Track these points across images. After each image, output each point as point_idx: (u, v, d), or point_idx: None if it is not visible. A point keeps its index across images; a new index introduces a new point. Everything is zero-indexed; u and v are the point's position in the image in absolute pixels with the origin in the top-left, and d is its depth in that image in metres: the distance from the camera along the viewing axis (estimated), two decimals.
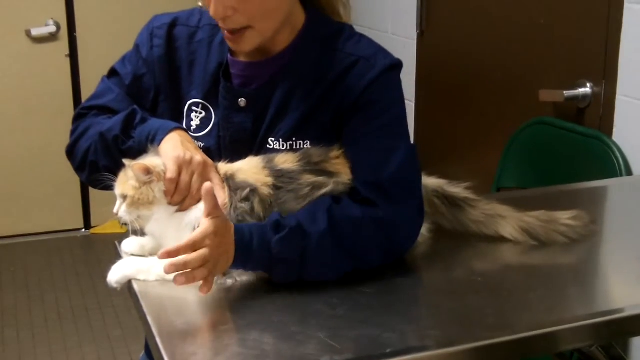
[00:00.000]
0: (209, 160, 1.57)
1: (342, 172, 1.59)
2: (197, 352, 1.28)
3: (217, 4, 1.54)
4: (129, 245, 1.65)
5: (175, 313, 1.43)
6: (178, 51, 1.73)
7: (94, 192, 4.95)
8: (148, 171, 1.51)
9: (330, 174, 1.58)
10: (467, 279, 1.61)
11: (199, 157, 1.55)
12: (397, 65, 1.66)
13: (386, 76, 1.62)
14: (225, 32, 1.60)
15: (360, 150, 1.59)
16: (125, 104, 1.71)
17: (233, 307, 1.46)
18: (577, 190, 2.25)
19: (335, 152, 1.60)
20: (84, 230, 5.00)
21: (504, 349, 1.33)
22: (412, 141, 1.67)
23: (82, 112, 1.76)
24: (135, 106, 1.67)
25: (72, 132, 1.76)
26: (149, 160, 1.54)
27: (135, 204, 1.54)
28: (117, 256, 1.62)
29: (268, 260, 1.47)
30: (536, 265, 1.69)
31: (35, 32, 4.69)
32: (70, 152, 1.75)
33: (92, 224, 5.00)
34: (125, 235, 1.66)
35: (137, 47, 1.76)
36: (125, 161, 1.55)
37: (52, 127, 4.82)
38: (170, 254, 1.36)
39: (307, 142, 1.62)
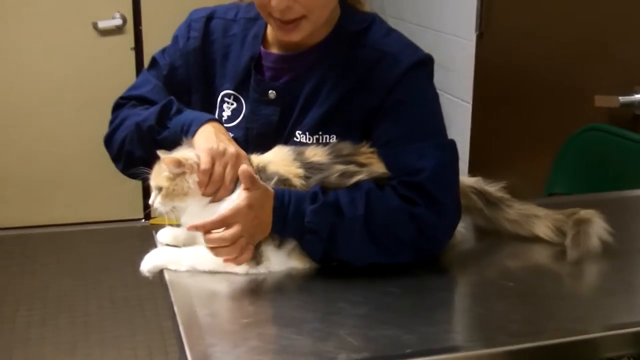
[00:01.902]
0: (242, 152, 1.58)
1: (374, 164, 1.59)
2: (216, 343, 1.29)
3: None
4: (163, 235, 1.68)
5: (201, 304, 1.44)
6: (213, 44, 1.75)
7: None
8: (179, 164, 1.52)
9: (361, 165, 1.58)
10: (498, 282, 1.59)
11: (232, 148, 1.56)
12: (425, 61, 1.65)
13: (414, 73, 1.62)
14: (279, 21, 1.61)
15: (394, 152, 1.59)
16: (162, 94, 1.75)
17: (258, 301, 1.47)
18: (630, 197, 2.21)
19: (365, 148, 1.61)
20: (143, 220, 5.07)
21: (525, 356, 1.31)
22: (447, 136, 1.65)
23: (121, 102, 1.80)
24: (172, 97, 1.70)
25: (110, 122, 1.79)
26: (181, 152, 1.56)
27: (170, 195, 1.56)
28: (154, 246, 1.65)
29: (300, 228, 1.50)
30: (569, 270, 1.66)
31: (101, 24, 4.76)
32: (108, 141, 1.79)
33: (152, 214, 5.06)
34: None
35: (175, 38, 1.80)
36: (160, 153, 1.57)
37: None
38: (198, 228, 1.45)
39: (332, 137, 1.63)
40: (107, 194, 5.03)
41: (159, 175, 1.57)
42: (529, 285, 1.58)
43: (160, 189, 1.57)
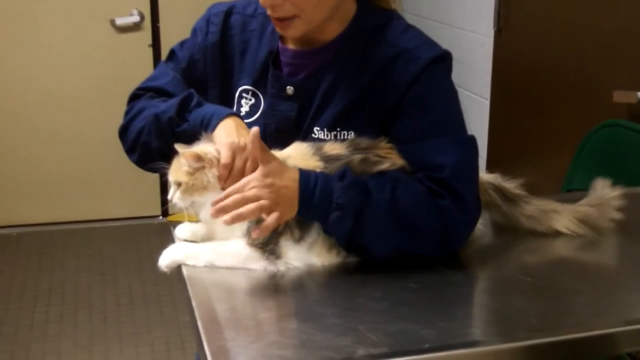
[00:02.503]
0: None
1: (393, 158, 1.59)
2: (235, 338, 1.29)
3: None
4: (181, 230, 1.68)
5: (220, 299, 1.45)
6: (232, 39, 1.76)
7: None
8: (199, 158, 1.53)
9: (381, 157, 1.58)
10: (516, 277, 1.59)
11: None
12: (443, 57, 1.64)
13: (432, 69, 1.61)
14: (273, 17, 1.62)
15: (414, 148, 1.59)
16: (180, 87, 1.75)
17: (276, 296, 1.47)
18: None
19: (384, 143, 1.60)
20: (161, 217, 5.09)
21: (542, 351, 1.31)
22: (467, 131, 1.65)
23: (138, 92, 1.80)
24: (192, 90, 1.70)
25: (126, 113, 1.79)
26: (200, 147, 1.56)
27: (189, 190, 1.56)
28: (173, 241, 1.65)
29: (328, 207, 1.49)
30: (587, 265, 1.67)
31: (119, 21, 4.77)
32: (123, 132, 1.79)
33: (169, 211, 5.06)
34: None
35: (194, 31, 1.81)
36: (178, 147, 1.57)
37: None
38: (218, 201, 1.47)
39: (351, 133, 1.63)
40: (125, 191, 5.04)
41: (178, 170, 1.57)
42: (546, 281, 1.58)
43: (179, 184, 1.57)
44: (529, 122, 3.43)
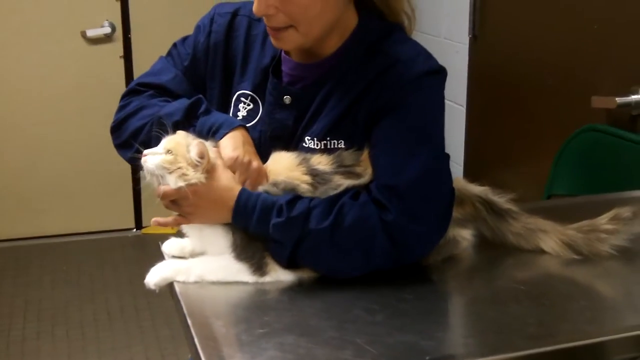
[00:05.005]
0: (264, 170, 1.57)
1: (368, 172, 1.57)
2: (234, 355, 1.28)
3: (260, 1, 1.55)
4: (169, 246, 1.66)
5: (215, 315, 1.43)
6: (235, 40, 1.74)
7: (145, 193, 4.98)
8: (202, 157, 1.51)
9: (358, 176, 1.57)
10: (510, 286, 1.58)
11: (256, 163, 1.56)
12: (438, 71, 1.62)
13: (423, 80, 1.59)
14: (268, 27, 1.61)
15: (382, 151, 1.57)
16: (183, 86, 1.74)
17: (271, 310, 1.45)
18: (628, 198, 2.20)
19: (365, 155, 1.59)
20: (135, 230, 5.05)
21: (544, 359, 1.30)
22: (444, 150, 1.62)
23: (137, 88, 1.76)
24: (200, 96, 1.69)
25: (122, 108, 1.75)
26: (208, 146, 1.55)
27: (171, 165, 1.51)
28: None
29: (265, 235, 1.51)
30: (577, 275, 1.66)
31: (90, 33, 4.75)
32: (117, 127, 1.75)
33: (144, 223, 5.04)
34: (177, 236, 1.67)
35: (198, 29, 1.78)
36: (183, 133, 1.56)
37: (106, 127, 4.83)
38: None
39: (341, 142, 1.61)
40: (98, 204, 5.01)
41: (178, 144, 1.53)
42: (541, 289, 1.58)
43: (168, 152, 1.52)
44: (507, 128, 3.44)
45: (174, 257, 1.64)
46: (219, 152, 1.57)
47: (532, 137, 3.26)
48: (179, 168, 1.51)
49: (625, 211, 1.71)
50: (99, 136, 4.84)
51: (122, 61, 4.86)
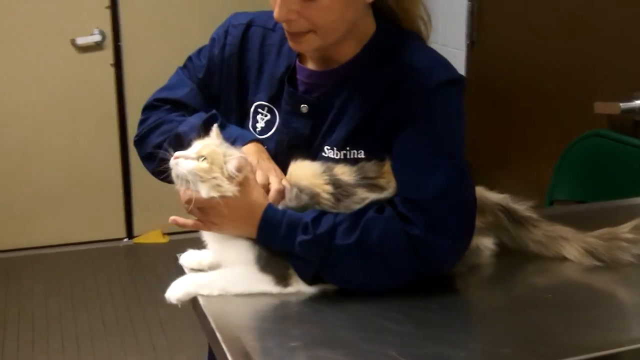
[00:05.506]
0: (282, 186, 1.56)
1: (391, 184, 1.56)
2: None
3: (281, 6, 1.54)
4: (187, 259, 1.65)
5: (243, 329, 1.42)
6: (249, 52, 1.73)
7: (136, 201, 4.98)
8: (240, 170, 1.49)
9: (382, 189, 1.55)
10: (535, 294, 1.58)
11: (276, 185, 1.55)
12: (456, 80, 1.60)
13: (441, 91, 1.56)
14: (287, 32, 1.60)
15: (404, 164, 1.55)
16: (198, 99, 1.75)
17: (298, 323, 1.44)
18: (634, 204, 2.20)
19: (388, 166, 1.57)
20: (126, 239, 5.01)
21: None
22: (465, 159, 1.60)
23: (155, 104, 1.78)
24: (215, 111, 1.69)
25: (142, 122, 1.78)
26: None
27: (204, 174, 1.47)
28: (180, 270, 1.61)
29: (289, 252, 1.50)
30: (600, 282, 1.65)
31: (80, 41, 4.71)
32: (139, 142, 1.78)
33: (135, 233, 5.00)
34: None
35: (212, 41, 1.78)
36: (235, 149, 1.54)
37: (97, 135, 4.86)
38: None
39: (360, 152, 1.60)
40: (88, 214, 4.97)
41: (215, 153, 1.49)
42: (565, 296, 1.57)
43: (203, 158, 1.48)
44: (507, 134, 3.44)
45: (192, 270, 1.61)
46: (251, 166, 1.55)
47: (532, 143, 3.26)
48: (213, 178, 1.48)
49: None
50: (89, 144, 4.85)
51: (113, 69, 4.83)
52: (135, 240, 4.96)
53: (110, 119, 4.87)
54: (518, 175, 3.38)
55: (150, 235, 4.87)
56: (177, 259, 1.64)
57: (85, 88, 4.78)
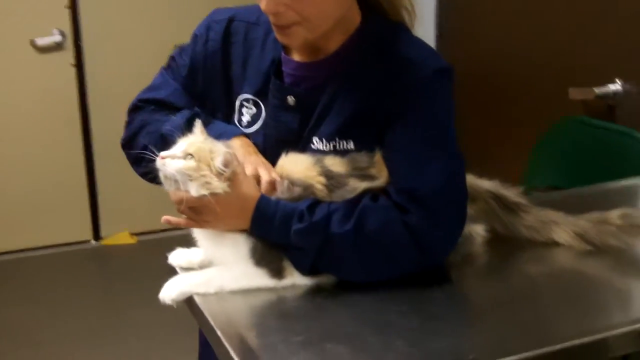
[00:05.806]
0: (273, 178, 1.54)
1: (383, 174, 1.55)
2: None
3: None
4: (176, 258, 1.62)
5: (244, 326, 1.39)
6: (233, 46, 1.71)
7: (103, 203, 4.91)
8: (227, 165, 1.46)
9: (373, 178, 1.54)
10: (536, 281, 1.59)
11: (267, 176, 1.54)
12: (447, 70, 1.59)
13: (433, 82, 1.56)
14: (274, 24, 1.58)
15: (399, 155, 1.55)
16: (183, 98, 1.73)
17: (299, 317, 1.41)
18: (611, 189, 2.22)
19: (379, 156, 1.56)
20: (93, 242, 4.94)
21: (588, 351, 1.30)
22: (458, 148, 1.61)
23: (139, 104, 1.75)
24: (197, 109, 1.67)
25: (128, 124, 1.75)
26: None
27: (191, 172, 1.45)
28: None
29: (285, 243, 1.49)
30: (593, 268, 1.66)
31: (40, 41, 4.65)
32: (127, 145, 1.75)
33: (102, 234, 4.93)
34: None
35: (194, 37, 1.76)
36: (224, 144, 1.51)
37: (59, 137, 4.79)
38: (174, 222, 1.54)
39: (350, 143, 1.59)
40: (54, 218, 4.90)
41: (202, 149, 1.47)
42: (569, 281, 1.58)
43: (189, 156, 1.46)
44: (483, 123, 3.44)
45: (182, 268, 1.58)
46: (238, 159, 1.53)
47: (509, 131, 3.27)
48: (202, 176, 1.45)
49: (633, 213, 1.73)
50: (52, 146, 4.77)
51: (73, 69, 4.77)
52: (103, 241, 4.89)
53: (72, 120, 4.81)
54: (494, 164, 3.38)
55: (118, 236, 4.80)
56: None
57: (46, 89, 4.72)
